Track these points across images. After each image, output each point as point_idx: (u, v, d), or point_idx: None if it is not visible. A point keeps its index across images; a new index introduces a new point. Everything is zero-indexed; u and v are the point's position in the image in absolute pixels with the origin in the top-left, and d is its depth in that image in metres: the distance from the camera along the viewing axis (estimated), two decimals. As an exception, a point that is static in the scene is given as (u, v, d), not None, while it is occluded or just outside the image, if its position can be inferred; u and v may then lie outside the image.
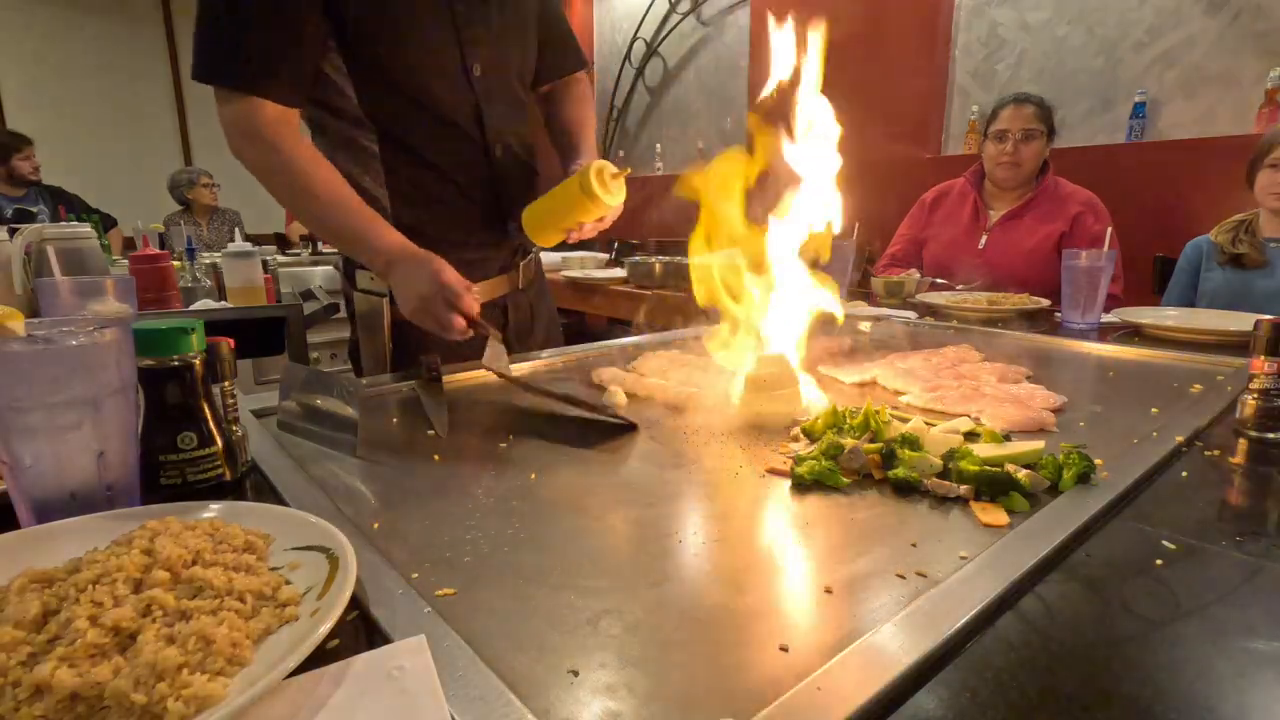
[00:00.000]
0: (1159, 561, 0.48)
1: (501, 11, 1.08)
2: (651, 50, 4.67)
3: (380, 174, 1.06)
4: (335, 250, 3.80)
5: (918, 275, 1.98)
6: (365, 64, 0.99)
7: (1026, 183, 2.05)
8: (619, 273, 3.03)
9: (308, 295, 1.81)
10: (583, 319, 3.77)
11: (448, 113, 1.05)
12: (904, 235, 2.27)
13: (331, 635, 0.37)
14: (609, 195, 0.98)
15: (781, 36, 0.91)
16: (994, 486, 0.58)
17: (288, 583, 0.42)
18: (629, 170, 1.01)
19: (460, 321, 0.89)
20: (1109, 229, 1.62)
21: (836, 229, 0.91)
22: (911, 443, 0.63)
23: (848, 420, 0.70)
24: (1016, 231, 2.02)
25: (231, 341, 0.66)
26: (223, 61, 0.91)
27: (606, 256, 3.65)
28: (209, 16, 0.91)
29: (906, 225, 2.28)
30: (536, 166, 1.21)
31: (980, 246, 2.06)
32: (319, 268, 3.08)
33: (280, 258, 3.60)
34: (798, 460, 0.63)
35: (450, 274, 0.89)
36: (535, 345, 1.27)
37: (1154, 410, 0.84)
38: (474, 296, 0.89)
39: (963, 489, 0.58)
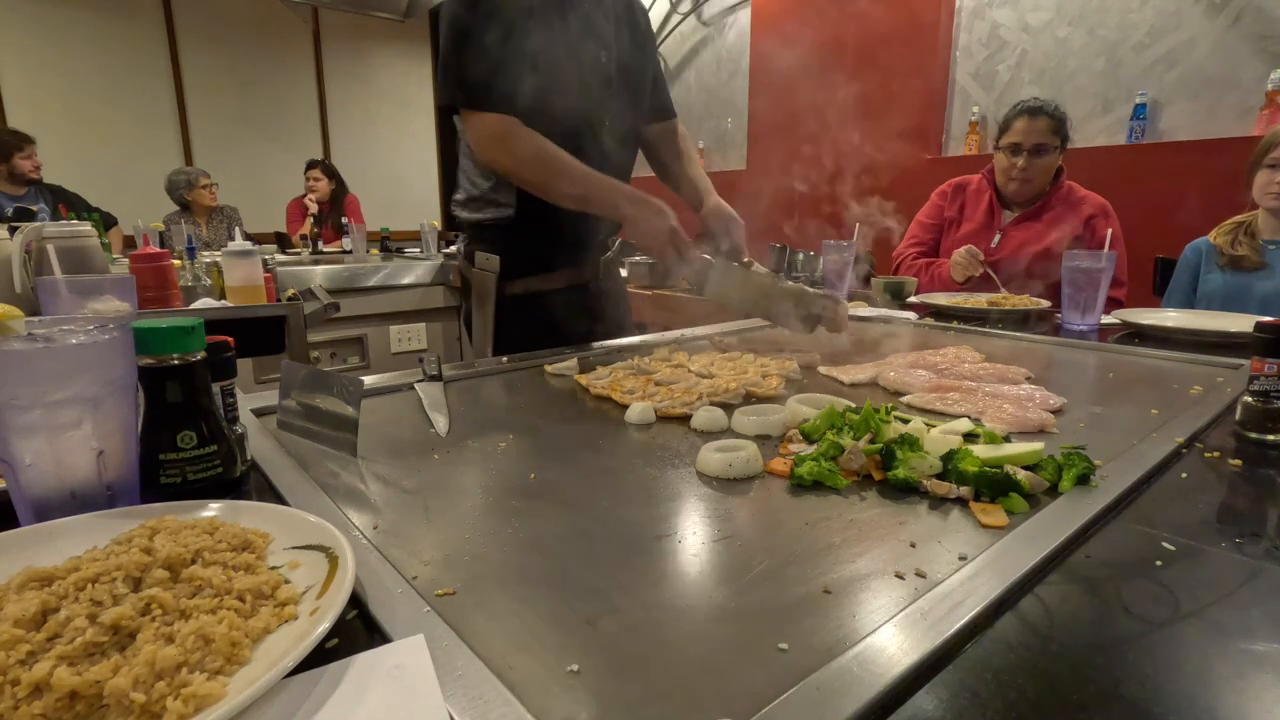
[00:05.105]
0: (1158, 563, 0.48)
1: (629, 75, 1.36)
2: (652, 50, 4.67)
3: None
4: (328, 255, 3.75)
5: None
6: (531, 95, 1.22)
7: (1038, 194, 2.04)
8: (620, 273, 3.03)
9: (308, 294, 1.81)
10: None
11: (573, 139, 1.26)
12: (924, 223, 2.24)
13: (330, 634, 0.37)
14: None
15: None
16: (993, 488, 0.58)
17: (287, 582, 0.42)
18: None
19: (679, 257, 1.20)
20: (1109, 231, 1.62)
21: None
22: (911, 443, 0.63)
23: (847, 420, 0.70)
24: (1029, 234, 2.01)
25: (231, 340, 0.66)
26: (454, 89, 1.21)
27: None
28: (441, 55, 1.21)
29: (926, 214, 2.24)
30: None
31: (993, 245, 2.05)
32: (319, 267, 3.09)
33: (280, 256, 3.60)
34: (797, 461, 0.63)
35: (677, 220, 1.20)
36: (597, 331, 1.41)
37: (1154, 411, 0.84)
38: (691, 247, 1.21)
39: (962, 490, 0.58)
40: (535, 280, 1.39)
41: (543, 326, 1.35)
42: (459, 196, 1.42)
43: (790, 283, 1.22)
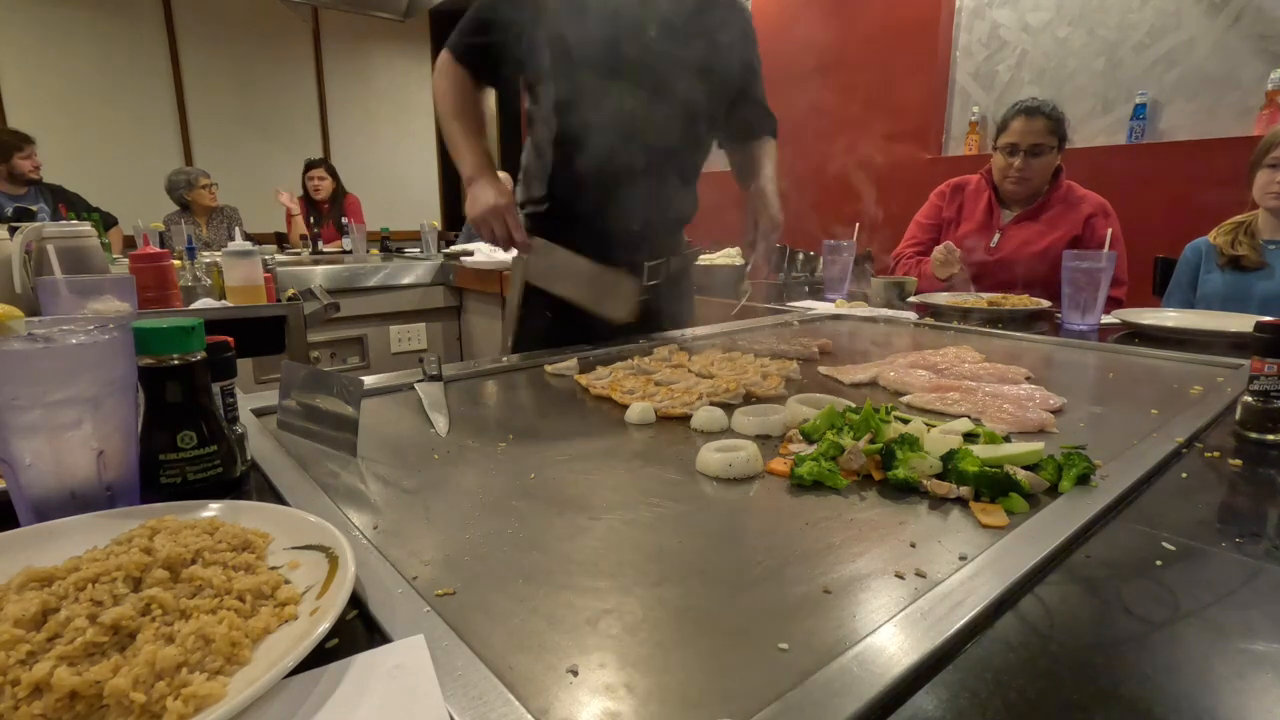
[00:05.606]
0: (1158, 563, 0.48)
1: (693, 68, 1.26)
2: (652, 50, 4.67)
3: (550, 157, 1.30)
4: (323, 254, 3.75)
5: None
6: (562, 75, 1.21)
7: (1035, 194, 2.04)
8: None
9: (308, 294, 1.81)
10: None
11: (612, 131, 1.23)
12: (922, 224, 2.24)
13: (330, 634, 0.37)
14: None
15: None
16: (994, 487, 0.58)
17: (287, 582, 0.42)
18: None
19: (507, 236, 1.20)
20: (1110, 231, 1.62)
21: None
22: (911, 443, 0.63)
23: (847, 420, 0.70)
24: (1028, 233, 2.01)
25: (231, 340, 0.66)
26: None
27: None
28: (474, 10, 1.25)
29: (925, 214, 2.24)
30: (686, 195, 1.42)
31: (992, 245, 2.05)
32: (319, 267, 3.09)
33: (280, 257, 3.60)
34: (797, 461, 0.63)
35: (510, 200, 1.20)
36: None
37: (1153, 411, 0.84)
38: (519, 224, 1.21)
39: (962, 490, 0.58)
40: None
41: (564, 328, 1.29)
42: (520, 174, 1.44)
43: (605, 267, 1.25)
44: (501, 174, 1.35)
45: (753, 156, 1.44)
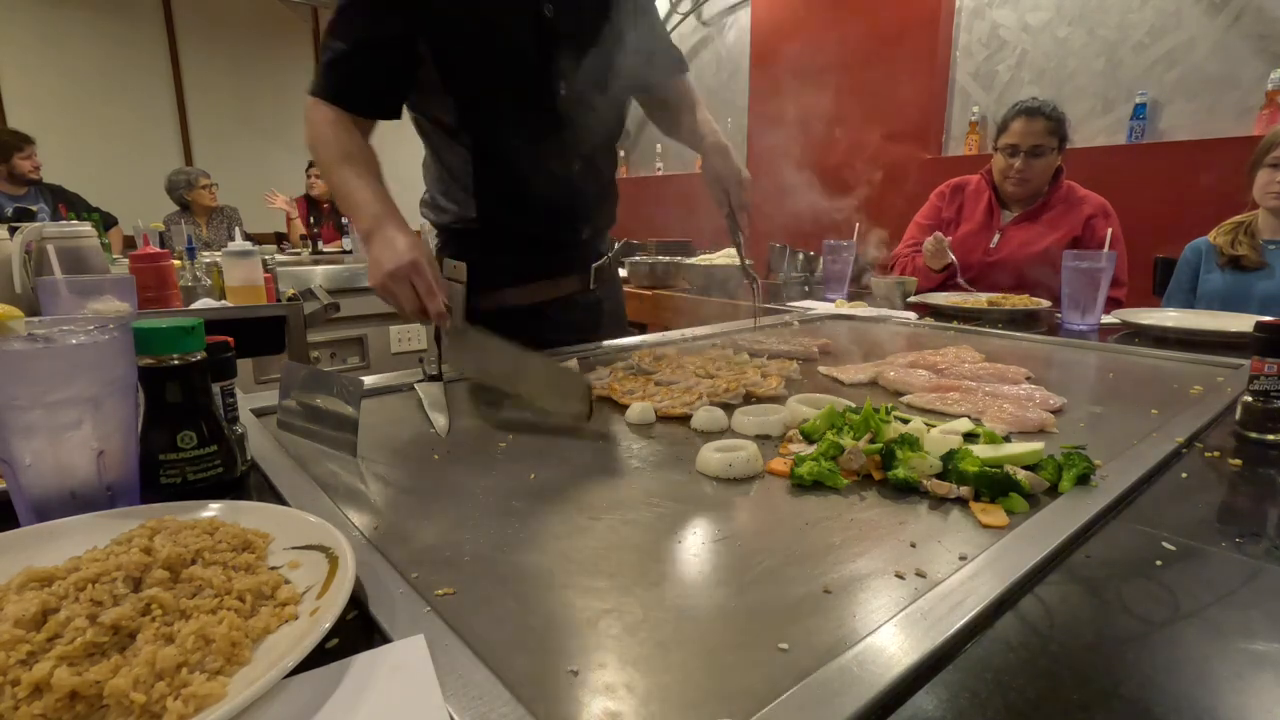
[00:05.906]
0: (1158, 563, 0.48)
1: (596, 37, 1.14)
2: (652, 50, 4.67)
3: (470, 177, 1.19)
4: (324, 252, 3.70)
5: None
6: (461, 84, 1.10)
7: (1036, 194, 2.04)
8: (619, 273, 3.04)
9: (308, 294, 1.81)
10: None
11: (532, 129, 1.14)
12: (922, 225, 2.24)
13: (331, 634, 0.37)
14: None
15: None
16: (993, 488, 0.58)
17: (287, 582, 0.42)
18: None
19: (417, 305, 0.91)
20: (1110, 230, 1.63)
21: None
22: (911, 443, 0.63)
23: (847, 420, 0.70)
24: (1029, 234, 2.01)
25: (231, 340, 0.66)
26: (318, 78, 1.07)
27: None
28: (324, 44, 1.07)
29: (924, 215, 2.24)
30: (615, 184, 1.34)
31: (992, 245, 2.05)
32: (319, 267, 3.09)
33: (280, 257, 3.60)
34: (797, 461, 0.63)
35: (426, 253, 0.92)
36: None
37: (1153, 411, 0.84)
38: (438, 285, 0.92)
39: (962, 490, 0.58)
40: (512, 293, 1.21)
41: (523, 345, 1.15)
42: (424, 196, 1.29)
43: (546, 359, 0.98)
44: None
45: (677, 100, 1.29)
